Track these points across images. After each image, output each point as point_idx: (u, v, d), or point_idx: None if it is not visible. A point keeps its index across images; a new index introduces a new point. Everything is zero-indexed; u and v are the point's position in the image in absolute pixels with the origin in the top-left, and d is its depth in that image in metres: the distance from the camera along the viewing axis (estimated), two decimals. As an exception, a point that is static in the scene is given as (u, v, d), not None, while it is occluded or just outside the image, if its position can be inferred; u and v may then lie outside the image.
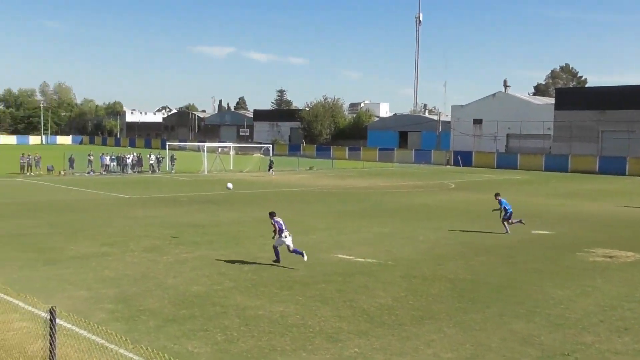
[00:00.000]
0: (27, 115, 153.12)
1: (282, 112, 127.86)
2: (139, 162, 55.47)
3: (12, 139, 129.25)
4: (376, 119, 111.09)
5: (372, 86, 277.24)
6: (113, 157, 54.75)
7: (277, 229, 16.22)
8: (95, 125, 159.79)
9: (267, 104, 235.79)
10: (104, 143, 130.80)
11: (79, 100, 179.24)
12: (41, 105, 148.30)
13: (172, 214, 27.06)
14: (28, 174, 48.52)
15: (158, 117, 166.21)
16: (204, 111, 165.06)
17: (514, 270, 16.46)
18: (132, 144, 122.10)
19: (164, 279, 14.72)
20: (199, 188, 40.26)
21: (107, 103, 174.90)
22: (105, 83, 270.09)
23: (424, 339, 10.70)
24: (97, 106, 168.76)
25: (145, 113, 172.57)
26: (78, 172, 51.04)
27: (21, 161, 49.58)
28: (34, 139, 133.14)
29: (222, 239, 20.40)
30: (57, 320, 7.44)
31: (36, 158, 50.42)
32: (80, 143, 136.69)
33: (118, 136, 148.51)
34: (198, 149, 74.42)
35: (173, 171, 55.91)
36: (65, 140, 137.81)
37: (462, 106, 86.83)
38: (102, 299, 12.86)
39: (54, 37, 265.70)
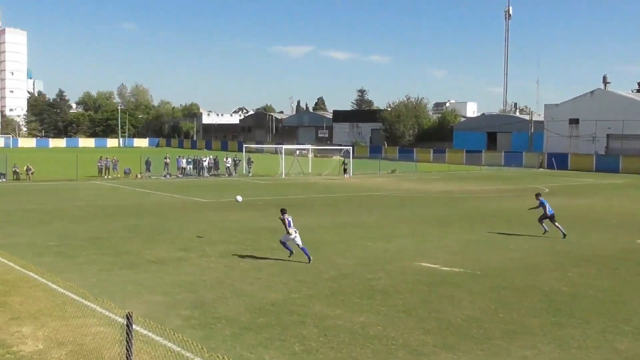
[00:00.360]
0: (105, 118, 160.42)
1: (362, 113, 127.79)
2: (215, 165, 56.93)
3: (90, 142, 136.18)
4: (462, 119, 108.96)
5: (458, 85, 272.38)
6: (189, 159, 56.46)
7: (287, 224, 17.58)
8: (172, 127, 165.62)
9: (347, 105, 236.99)
10: (181, 145, 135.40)
11: (155, 102, 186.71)
12: (119, 107, 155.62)
13: (249, 218, 27.53)
14: (106, 177, 50.88)
15: (235, 119, 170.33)
16: (281, 112, 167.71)
17: (618, 283, 15.64)
18: (209, 147, 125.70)
19: (240, 286, 14.97)
20: (276, 192, 40.79)
21: (184, 105, 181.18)
22: (182, 85, 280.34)
23: (515, 355, 10.35)
24: (173, 108, 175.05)
25: (222, 115, 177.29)
26: (155, 175, 53.02)
27: (99, 164, 52.08)
28: (111, 142, 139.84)
29: (299, 244, 20.72)
30: (134, 326, 7.67)
31: (114, 161, 52.78)
32: (157, 146, 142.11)
33: (194, 138, 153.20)
34: (275, 151, 75.56)
35: (250, 174, 56.98)
36: (142, 142, 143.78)
37: (556, 105, 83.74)
38: (177, 304, 13.21)
39: (131, 39, 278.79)
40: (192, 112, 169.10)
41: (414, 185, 47.16)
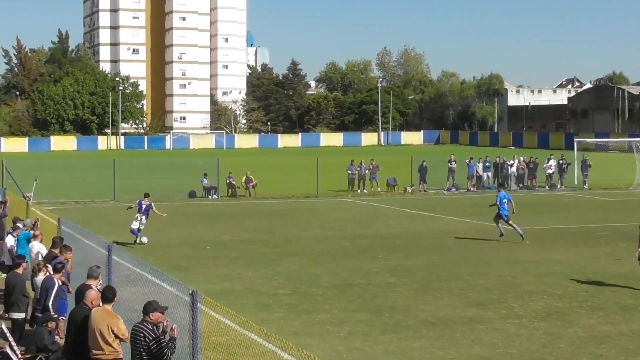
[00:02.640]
0: (357, 101, 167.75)
1: None
2: (530, 172, 56.55)
3: (337, 139, 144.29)
4: None
5: None
6: (487, 163, 56.83)
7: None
8: (460, 113, 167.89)
9: None
10: (473, 142, 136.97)
11: (434, 75, 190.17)
12: (378, 84, 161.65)
13: (586, 256, 27.16)
14: (359, 191, 53.51)
15: (559, 97, 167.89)
16: (637, 84, 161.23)
17: None
18: (518, 142, 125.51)
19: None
20: (630, 215, 39.54)
21: (478, 78, 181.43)
22: (474, 47, 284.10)
23: None
24: (462, 83, 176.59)
25: (540, 91, 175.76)
26: (433, 187, 54.45)
27: (349, 172, 54.80)
28: (368, 138, 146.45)
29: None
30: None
31: (371, 167, 55.18)
32: (437, 142, 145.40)
33: (495, 130, 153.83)
34: (630, 149, 72.57)
35: (586, 186, 55.79)
36: (413, 138, 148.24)
37: None
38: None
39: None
40: (491, 89, 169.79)
41: None
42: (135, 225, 30.75)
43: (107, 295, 12.54)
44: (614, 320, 18.62)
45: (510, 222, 30.97)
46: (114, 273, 15.31)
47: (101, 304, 12.59)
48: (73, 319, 12.98)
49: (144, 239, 30.71)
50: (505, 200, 31.49)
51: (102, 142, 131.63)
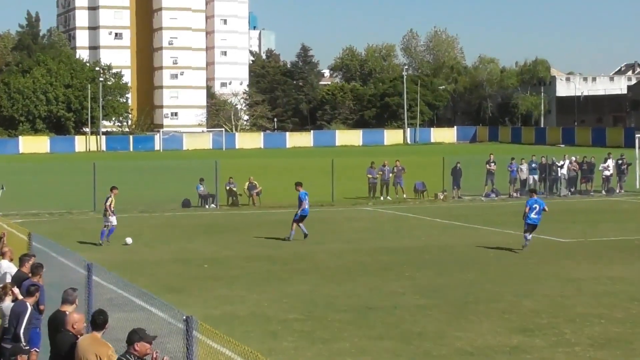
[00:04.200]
0: (379, 93, 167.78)
1: None
2: (584, 173, 56.28)
3: (355, 137, 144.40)
4: None
5: None
6: (534, 164, 56.62)
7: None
8: (499, 105, 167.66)
9: None
10: (516, 139, 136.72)
11: (469, 61, 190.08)
12: (404, 73, 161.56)
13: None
14: (382, 197, 53.53)
15: (618, 86, 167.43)
16: None
17: None
18: (569, 139, 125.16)
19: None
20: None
21: (522, 64, 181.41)
22: (516, 29, 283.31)
23: None
24: (502, 71, 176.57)
25: (594, 79, 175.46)
26: (469, 193, 54.37)
27: (369, 176, 54.80)
28: (391, 135, 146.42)
29: None
30: None
31: (396, 170, 55.14)
32: (473, 140, 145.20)
33: (542, 124, 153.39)
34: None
35: (648, 190, 55.59)
36: (444, 135, 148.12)
37: None
38: None
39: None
40: (536, 77, 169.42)
41: None
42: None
43: (97, 320, 12.45)
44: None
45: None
46: (94, 297, 15.31)
47: (89, 331, 12.53)
48: (57, 349, 12.92)
49: (128, 240, 33.88)
50: (537, 206, 31.79)
51: (80, 143, 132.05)
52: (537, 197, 33.39)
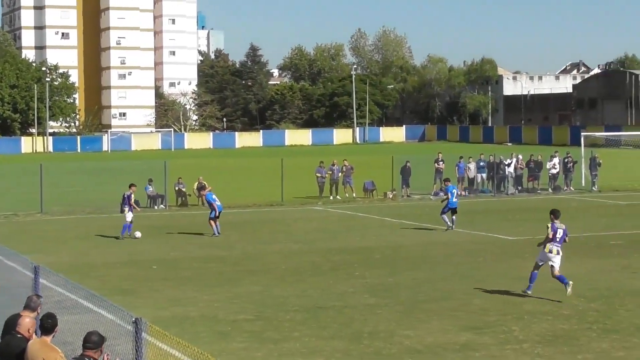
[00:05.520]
0: (328, 92, 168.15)
1: None
2: (531, 171, 56.70)
3: (304, 136, 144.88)
4: None
5: None
6: (482, 162, 56.98)
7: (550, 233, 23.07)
8: (448, 105, 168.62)
9: None
10: (464, 137, 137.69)
11: (417, 61, 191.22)
12: (352, 72, 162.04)
13: (596, 270, 27.47)
14: (332, 197, 53.57)
15: (563, 85, 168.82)
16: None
17: None
18: (516, 137, 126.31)
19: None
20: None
21: (470, 63, 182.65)
22: (463, 28, 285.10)
23: None
24: (450, 70, 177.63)
25: (540, 78, 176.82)
26: (418, 192, 54.54)
27: (318, 175, 54.83)
28: (341, 135, 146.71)
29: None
30: None
31: (345, 169, 55.20)
32: (422, 139, 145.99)
33: (489, 123, 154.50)
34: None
35: (595, 188, 56.25)
36: (394, 134, 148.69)
37: None
38: None
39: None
40: (483, 76, 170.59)
41: None
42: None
43: (45, 324, 12.27)
44: (629, 344, 18.77)
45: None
46: (42, 299, 15.18)
47: (39, 335, 12.40)
48: (6, 352, 12.74)
49: (137, 234, 36.38)
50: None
51: (27, 144, 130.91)
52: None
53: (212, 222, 37.51)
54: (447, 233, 37.08)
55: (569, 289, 22.79)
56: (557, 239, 23.27)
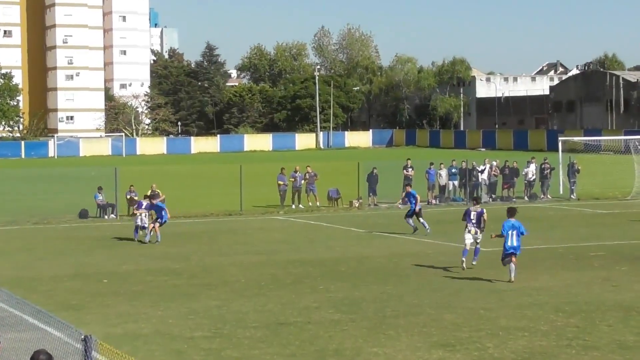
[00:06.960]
0: (290, 95, 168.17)
1: None
2: (507, 178, 56.70)
3: (264, 141, 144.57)
4: None
5: None
6: (454, 169, 56.96)
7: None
8: (418, 108, 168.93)
9: None
10: (435, 143, 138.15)
11: (385, 61, 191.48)
12: (316, 73, 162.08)
13: (575, 282, 27.45)
14: (293, 206, 53.51)
15: (540, 86, 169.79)
16: (635, 69, 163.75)
17: None
18: (489, 142, 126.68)
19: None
20: (626, 230, 40.27)
21: (439, 64, 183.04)
22: (433, 27, 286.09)
23: None
24: (420, 71, 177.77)
25: (515, 79, 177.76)
26: (385, 200, 54.57)
27: (280, 183, 54.72)
28: (304, 140, 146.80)
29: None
30: None
31: (308, 176, 55.08)
32: (389, 144, 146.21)
33: (462, 127, 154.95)
34: (626, 149, 73.53)
35: (574, 196, 56.47)
36: (359, 139, 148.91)
37: None
38: None
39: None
40: (455, 78, 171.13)
41: None
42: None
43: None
44: (610, 356, 18.83)
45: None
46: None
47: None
48: None
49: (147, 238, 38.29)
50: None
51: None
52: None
53: (158, 228, 38.61)
54: (417, 244, 37.11)
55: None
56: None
